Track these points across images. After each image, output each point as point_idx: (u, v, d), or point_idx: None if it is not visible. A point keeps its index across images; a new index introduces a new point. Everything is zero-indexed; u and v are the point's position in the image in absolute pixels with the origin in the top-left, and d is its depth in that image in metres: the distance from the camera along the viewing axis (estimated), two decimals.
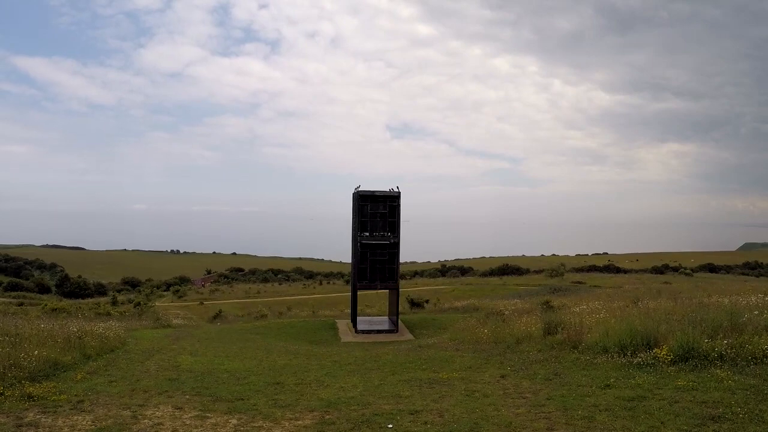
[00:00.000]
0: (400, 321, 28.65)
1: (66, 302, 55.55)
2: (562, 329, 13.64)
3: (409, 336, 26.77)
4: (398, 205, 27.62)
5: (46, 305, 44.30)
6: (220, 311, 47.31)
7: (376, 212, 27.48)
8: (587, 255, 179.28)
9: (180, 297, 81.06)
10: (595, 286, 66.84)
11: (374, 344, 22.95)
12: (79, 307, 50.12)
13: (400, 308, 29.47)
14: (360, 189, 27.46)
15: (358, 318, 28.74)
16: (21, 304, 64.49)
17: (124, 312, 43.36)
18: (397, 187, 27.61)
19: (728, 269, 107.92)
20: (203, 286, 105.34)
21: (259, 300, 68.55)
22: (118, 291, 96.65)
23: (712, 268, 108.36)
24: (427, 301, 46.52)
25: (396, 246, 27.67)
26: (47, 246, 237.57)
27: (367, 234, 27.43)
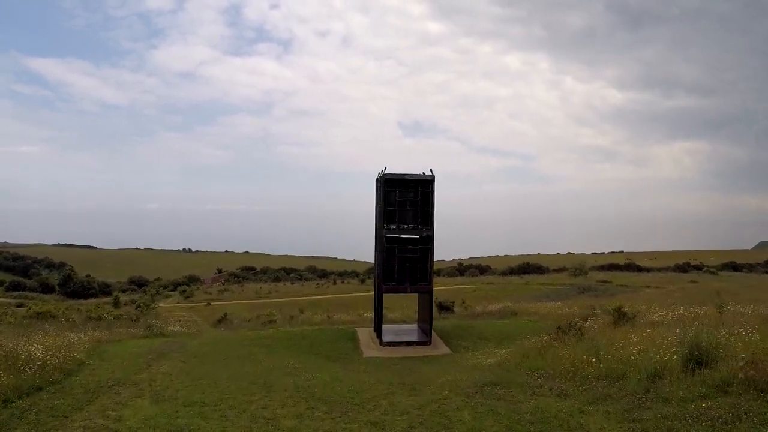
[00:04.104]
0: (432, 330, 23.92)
1: (53, 304, 51.28)
2: (718, 358, 8.89)
3: (445, 349, 22.08)
4: (432, 192, 22.82)
5: (30, 308, 39.98)
6: (226, 315, 42.83)
7: (406, 200, 22.68)
8: (603, 253, 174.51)
9: (187, 297, 77.04)
10: (622, 285, 62.17)
11: (405, 361, 18.33)
12: (78, 309, 46.10)
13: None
14: (386, 172, 22.69)
15: (384, 327, 24.01)
16: (20, 305, 60.89)
17: (121, 315, 39.13)
18: (431, 170, 22.83)
19: (750, 267, 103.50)
20: (218, 284, 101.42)
21: (269, 301, 64.17)
22: (124, 291, 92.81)
23: (734, 267, 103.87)
24: (453, 303, 41.73)
25: (429, 240, 22.88)
26: (58, 245, 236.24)
27: (394, 226, 22.68)
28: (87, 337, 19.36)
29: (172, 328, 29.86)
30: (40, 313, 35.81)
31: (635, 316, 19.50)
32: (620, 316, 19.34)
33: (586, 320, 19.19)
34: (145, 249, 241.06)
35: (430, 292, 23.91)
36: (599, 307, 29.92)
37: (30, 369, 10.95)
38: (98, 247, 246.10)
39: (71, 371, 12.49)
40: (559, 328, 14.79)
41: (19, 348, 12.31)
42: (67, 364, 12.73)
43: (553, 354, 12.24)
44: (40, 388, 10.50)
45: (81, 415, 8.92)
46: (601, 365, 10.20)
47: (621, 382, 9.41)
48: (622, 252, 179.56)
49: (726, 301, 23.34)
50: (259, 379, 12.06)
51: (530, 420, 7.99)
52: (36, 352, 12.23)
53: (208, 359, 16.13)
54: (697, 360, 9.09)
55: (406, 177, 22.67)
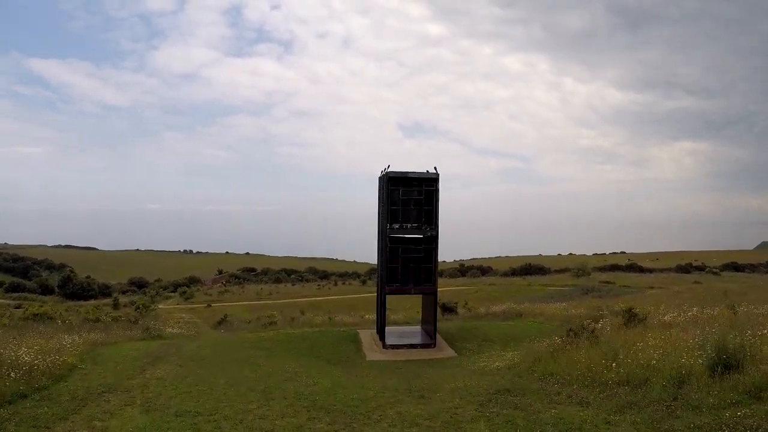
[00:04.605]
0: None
1: (51, 306, 50.63)
2: (746, 362, 8.30)
3: (450, 352, 21.48)
4: (436, 190, 22.25)
5: (27, 310, 39.37)
6: (225, 316, 42.27)
7: (409, 198, 22.08)
8: (605, 254, 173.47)
9: (187, 299, 76.41)
10: (625, 286, 61.53)
11: (410, 364, 17.78)
12: (77, 311, 45.48)
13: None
14: (389, 170, 22.09)
15: (387, 329, 23.41)
16: (19, 307, 60.32)
17: (119, 317, 38.56)
18: (435, 168, 22.25)
19: (753, 268, 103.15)
20: (219, 286, 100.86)
21: (270, 302, 63.52)
22: (123, 292, 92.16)
23: (736, 267, 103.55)
24: (456, 304, 41.08)
25: (434, 240, 22.30)
26: (59, 246, 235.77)
27: (398, 226, 22.08)
28: (81, 340, 18.79)
29: (170, 330, 29.30)
30: (37, 315, 35.22)
31: (646, 317, 18.89)
32: (631, 318, 18.74)
33: (597, 322, 18.59)
34: (146, 250, 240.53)
35: (435, 293, 23.34)
36: (606, 308, 29.29)
37: (15, 374, 10.33)
38: (99, 248, 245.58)
39: (60, 376, 11.86)
40: (570, 330, 14.16)
41: (6, 351, 11.71)
42: (57, 369, 12.11)
43: (567, 358, 11.57)
44: (25, 395, 9.86)
45: (65, 425, 8.27)
46: (621, 370, 9.53)
47: (644, 388, 8.76)
48: (623, 253, 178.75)
49: (736, 301, 22.74)
50: (258, 385, 11.42)
51: None
52: (23, 355, 11.61)
53: (206, 363, 15.53)
54: (725, 364, 8.48)
55: (410, 175, 22.09)
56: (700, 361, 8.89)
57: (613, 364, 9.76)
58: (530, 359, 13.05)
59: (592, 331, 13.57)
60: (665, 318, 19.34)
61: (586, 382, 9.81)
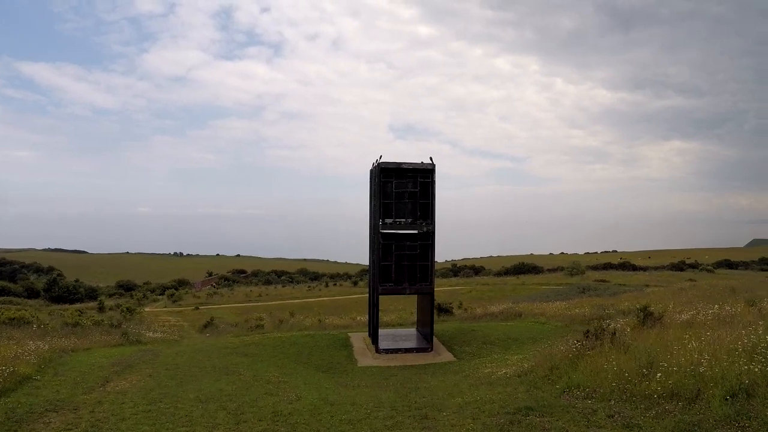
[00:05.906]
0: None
1: (28, 310, 48.74)
2: None
3: (448, 356, 19.94)
4: (433, 182, 20.71)
5: (3, 313, 37.50)
6: (212, 319, 40.58)
7: (404, 191, 20.53)
8: (596, 253, 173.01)
9: (175, 301, 74.52)
10: (620, 284, 60.44)
11: (406, 371, 16.34)
12: (61, 314, 43.70)
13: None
14: (382, 161, 20.52)
15: (380, 332, 21.81)
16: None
17: (102, 321, 36.87)
18: (431, 159, 20.71)
19: (746, 265, 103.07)
20: (208, 288, 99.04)
21: (259, 304, 61.79)
22: (110, 295, 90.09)
23: (729, 265, 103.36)
24: (451, 304, 39.55)
25: (430, 236, 20.78)
26: (48, 250, 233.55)
27: (391, 221, 20.51)
28: (47, 347, 17.18)
29: (151, 334, 27.70)
30: (13, 319, 33.44)
31: (662, 316, 17.42)
32: (646, 317, 17.25)
33: (612, 321, 17.06)
34: (135, 253, 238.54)
35: (431, 293, 21.80)
36: (611, 307, 27.89)
37: None
38: (89, 251, 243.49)
39: (4, 391, 10.24)
40: (588, 332, 12.61)
41: None
42: (3, 382, 10.48)
43: (591, 365, 9.89)
44: None
45: None
46: (667, 381, 7.91)
47: (698, 402, 7.17)
48: (615, 251, 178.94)
49: (747, 298, 21.38)
50: (231, 402, 9.78)
51: None
52: None
53: (180, 372, 13.93)
54: None
55: (404, 166, 20.55)
56: (764, 367, 7.32)
57: (658, 375, 8.12)
58: (546, 366, 11.41)
59: (614, 333, 12.02)
60: (683, 316, 17.92)
61: (624, 397, 8.15)
